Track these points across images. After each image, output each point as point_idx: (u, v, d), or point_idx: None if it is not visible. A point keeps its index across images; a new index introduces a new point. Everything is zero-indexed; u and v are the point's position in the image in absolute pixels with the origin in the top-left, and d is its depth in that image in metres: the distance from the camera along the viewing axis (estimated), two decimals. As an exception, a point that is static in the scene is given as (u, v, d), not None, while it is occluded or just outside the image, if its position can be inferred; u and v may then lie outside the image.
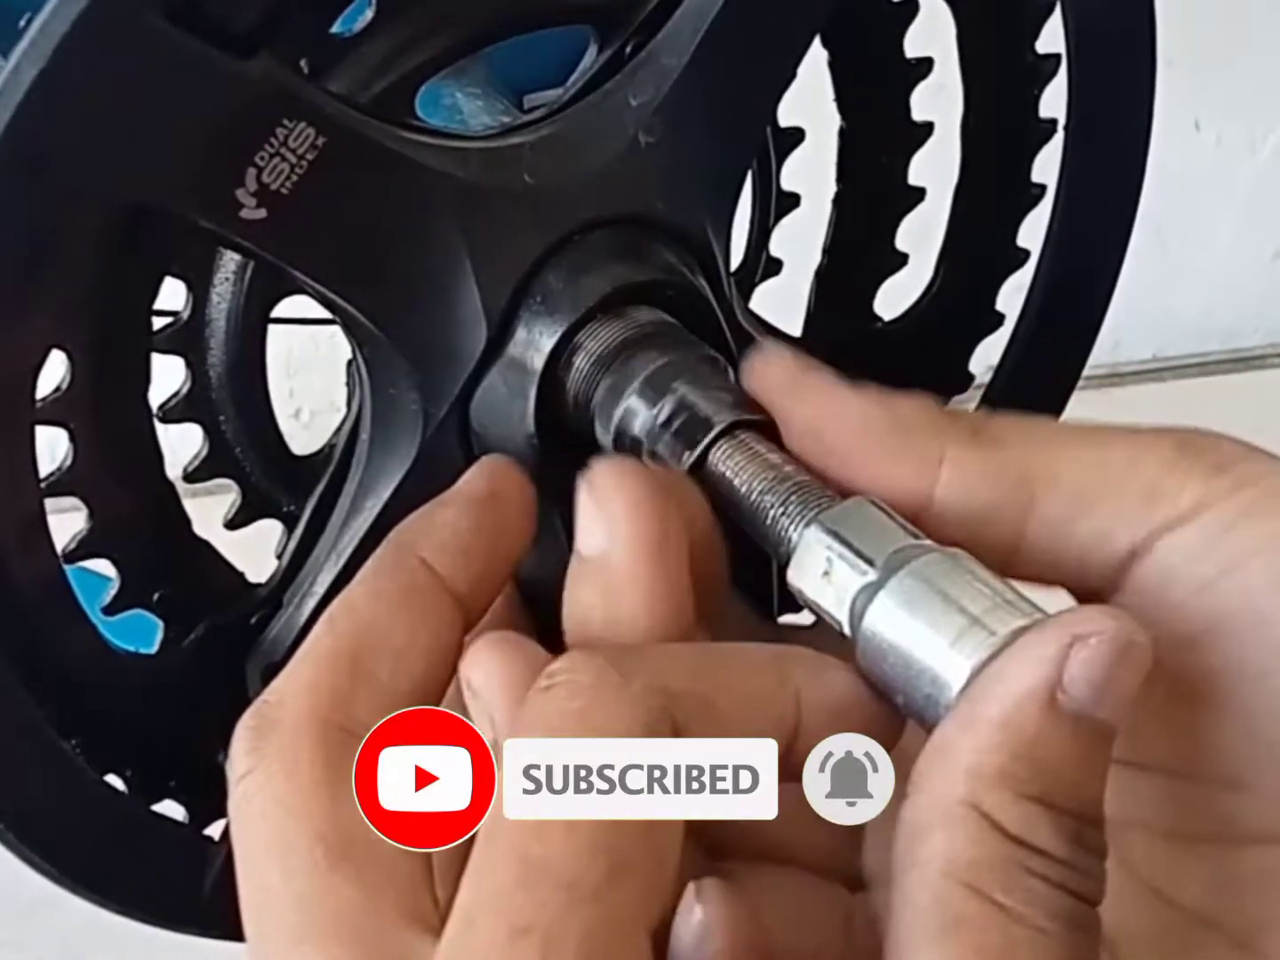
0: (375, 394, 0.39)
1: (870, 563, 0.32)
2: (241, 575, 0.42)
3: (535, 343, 0.38)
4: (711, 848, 0.34)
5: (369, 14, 0.38)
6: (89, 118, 0.33)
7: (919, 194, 0.50)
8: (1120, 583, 0.34)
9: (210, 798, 0.41)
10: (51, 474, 0.38)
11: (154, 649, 0.41)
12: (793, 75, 0.42)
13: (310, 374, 1.32)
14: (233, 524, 0.44)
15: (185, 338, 0.41)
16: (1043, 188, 0.49)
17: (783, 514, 0.34)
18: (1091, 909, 0.30)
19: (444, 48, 0.40)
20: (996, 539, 0.34)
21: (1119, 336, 1.60)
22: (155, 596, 0.40)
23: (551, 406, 0.38)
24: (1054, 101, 0.47)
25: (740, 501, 0.35)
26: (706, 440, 0.35)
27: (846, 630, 0.32)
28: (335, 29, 0.38)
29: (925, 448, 0.34)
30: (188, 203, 0.34)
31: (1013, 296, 0.50)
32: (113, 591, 0.40)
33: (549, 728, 0.30)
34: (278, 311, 0.43)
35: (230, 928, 0.42)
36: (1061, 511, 0.34)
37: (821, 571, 0.33)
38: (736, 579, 0.37)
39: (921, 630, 0.31)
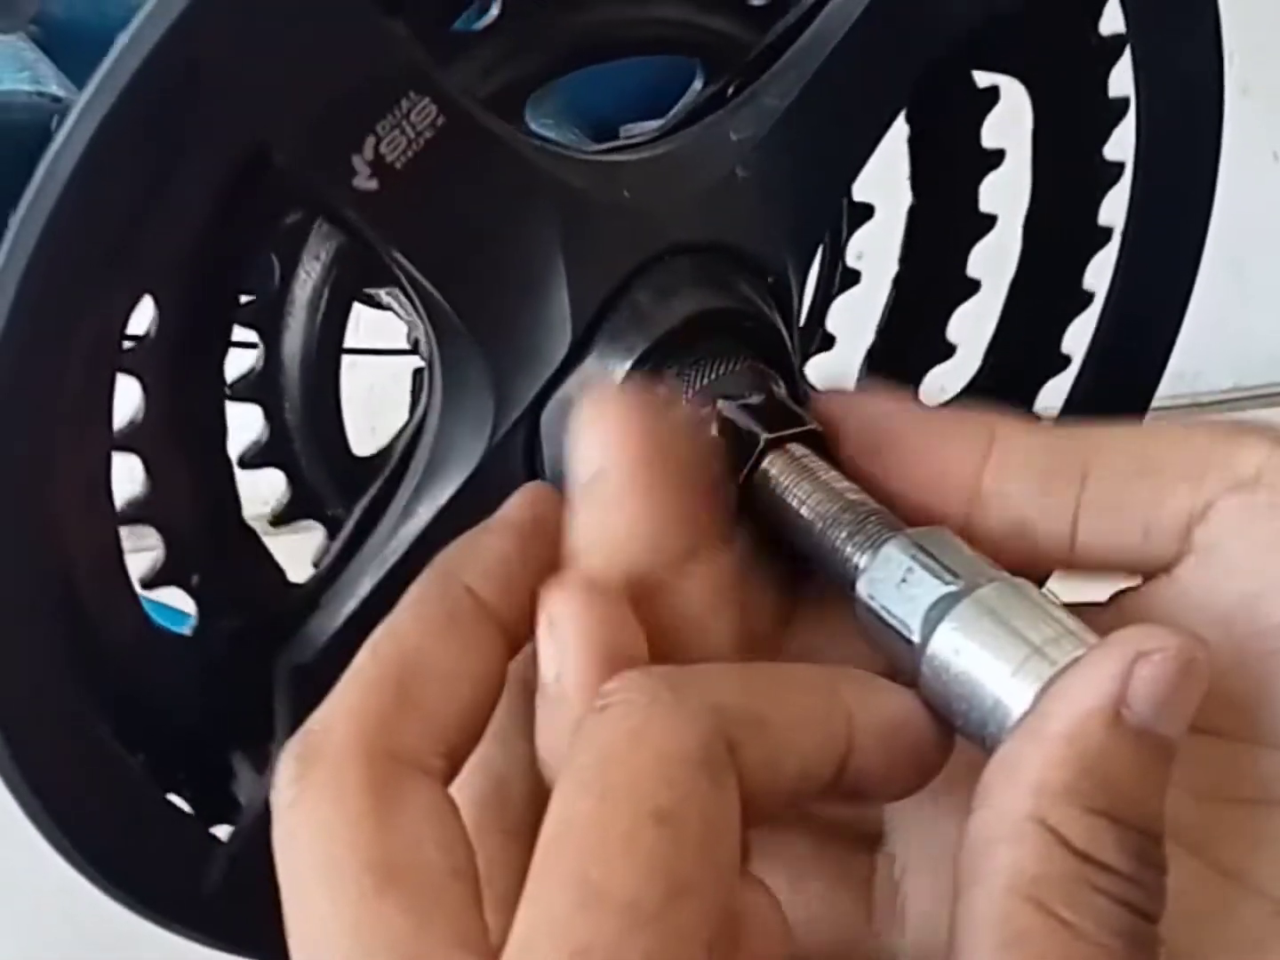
0: (446, 394, 0.39)
1: (954, 575, 0.33)
2: (283, 572, 0.42)
3: (615, 356, 0.38)
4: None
5: (494, 12, 0.39)
6: (241, 40, 0.33)
7: (974, 285, 0.51)
8: (1184, 550, 0.34)
9: (214, 797, 0.41)
10: (121, 428, 0.37)
11: (187, 633, 0.40)
12: (880, 137, 0.43)
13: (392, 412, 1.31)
14: (279, 520, 0.44)
15: (264, 314, 0.41)
16: (1109, 231, 0.50)
17: (858, 532, 0.34)
18: (1152, 926, 0.29)
19: (556, 57, 0.40)
20: (1052, 516, 0.34)
21: (1200, 366, 1.60)
22: (194, 579, 0.40)
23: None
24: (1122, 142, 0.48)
25: (801, 520, 0.35)
26: (756, 452, 0.36)
27: (915, 637, 0.33)
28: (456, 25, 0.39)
29: (975, 430, 0.36)
30: (306, 156, 0.34)
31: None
32: (155, 565, 0.39)
33: (605, 746, 0.30)
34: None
35: (227, 936, 0.41)
36: (1116, 481, 0.34)
37: (899, 579, 0.33)
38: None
39: (986, 656, 0.31)
